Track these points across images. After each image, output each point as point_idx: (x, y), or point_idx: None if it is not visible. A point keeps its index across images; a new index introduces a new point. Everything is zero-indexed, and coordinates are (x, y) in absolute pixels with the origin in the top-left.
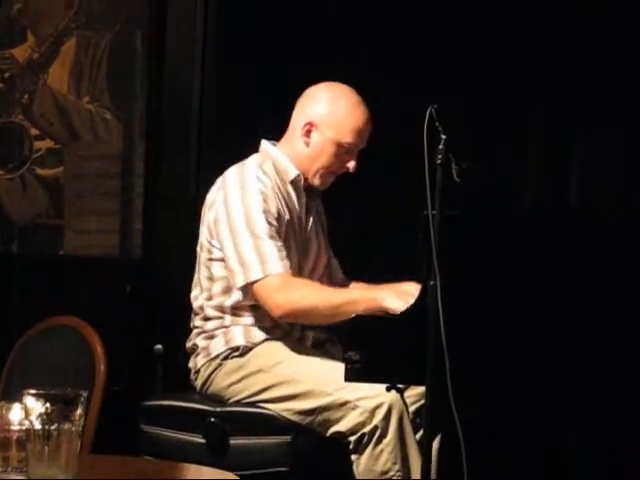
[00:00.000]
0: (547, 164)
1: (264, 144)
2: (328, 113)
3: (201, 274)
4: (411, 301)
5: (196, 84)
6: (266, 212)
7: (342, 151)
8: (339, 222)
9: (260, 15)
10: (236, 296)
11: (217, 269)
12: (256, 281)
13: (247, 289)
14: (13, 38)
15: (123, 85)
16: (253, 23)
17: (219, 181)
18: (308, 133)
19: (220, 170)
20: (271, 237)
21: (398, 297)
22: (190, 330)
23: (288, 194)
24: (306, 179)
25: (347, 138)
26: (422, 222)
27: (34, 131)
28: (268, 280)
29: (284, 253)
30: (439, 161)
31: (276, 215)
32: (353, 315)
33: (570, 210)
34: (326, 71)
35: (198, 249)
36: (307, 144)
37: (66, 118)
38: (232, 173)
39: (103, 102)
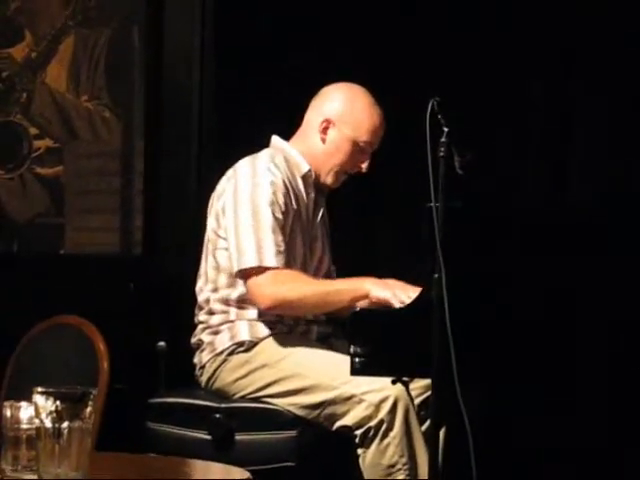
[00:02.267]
0: (548, 157)
1: (275, 139)
2: (346, 111)
3: (208, 264)
4: (399, 293)
5: (195, 79)
6: (273, 204)
7: (357, 150)
8: (343, 216)
9: (259, 9)
10: (242, 288)
11: (223, 260)
12: (248, 269)
13: (240, 277)
14: (10, 37)
15: (121, 83)
16: (252, 18)
17: (230, 172)
18: (325, 130)
19: (221, 166)
20: (273, 230)
21: (384, 287)
22: (194, 326)
23: (298, 188)
24: (318, 177)
25: (364, 137)
26: (426, 214)
27: (33, 130)
28: (259, 272)
29: (282, 248)
30: (442, 153)
31: (284, 208)
32: (341, 306)
33: (571, 202)
34: (327, 66)
35: (205, 240)
36: (323, 141)
37: (65, 117)
38: (244, 164)
39: (102, 100)
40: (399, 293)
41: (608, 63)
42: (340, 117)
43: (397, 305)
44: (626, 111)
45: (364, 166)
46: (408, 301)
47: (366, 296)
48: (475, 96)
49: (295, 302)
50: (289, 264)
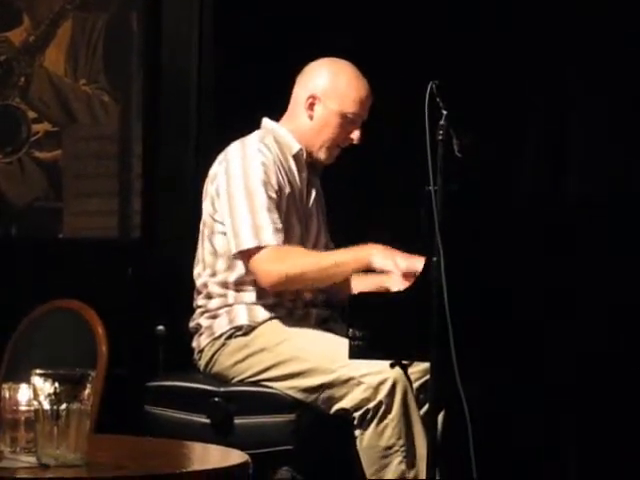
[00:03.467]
0: (547, 157)
1: (265, 121)
2: (330, 85)
3: (205, 250)
4: (400, 261)
5: (193, 63)
6: (266, 184)
7: (346, 122)
8: (341, 200)
9: None
10: (240, 271)
11: (221, 243)
12: (248, 250)
13: (240, 258)
14: (9, 21)
15: (120, 66)
16: (251, 3)
17: (221, 156)
18: (311, 106)
19: (219, 150)
20: (268, 209)
21: (385, 254)
22: (193, 310)
23: (290, 168)
24: (311, 154)
25: (351, 108)
26: (424, 198)
27: (31, 114)
28: (260, 251)
29: (279, 226)
30: (440, 137)
31: (276, 187)
32: (344, 277)
33: (568, 191)
34: (326, 48)
35: (201, 225)
36: (311, 117)
37: (63, 100)
38: (234, 147)
39: (100, 84)
40: (400, 261)
41: (608, 63)
42: (325, 92)
43: (398, 275)
44: (625, 111)
45: (355, 137)
46: (407, 268)
47: (368, 266)
48: (474, 97)
49: (298, 277)
50: (287, 242)
